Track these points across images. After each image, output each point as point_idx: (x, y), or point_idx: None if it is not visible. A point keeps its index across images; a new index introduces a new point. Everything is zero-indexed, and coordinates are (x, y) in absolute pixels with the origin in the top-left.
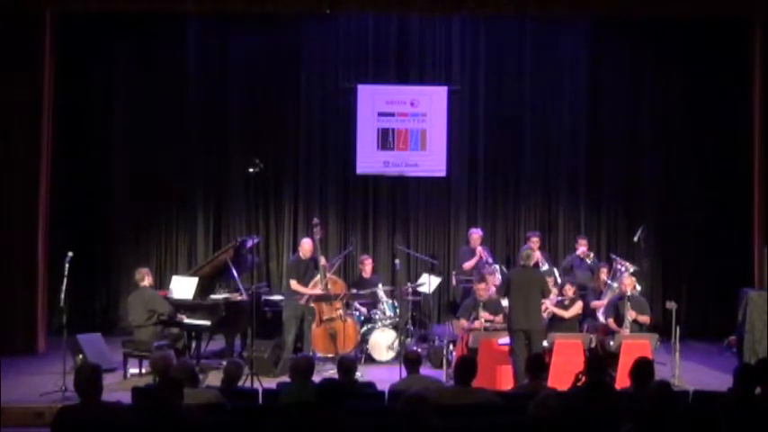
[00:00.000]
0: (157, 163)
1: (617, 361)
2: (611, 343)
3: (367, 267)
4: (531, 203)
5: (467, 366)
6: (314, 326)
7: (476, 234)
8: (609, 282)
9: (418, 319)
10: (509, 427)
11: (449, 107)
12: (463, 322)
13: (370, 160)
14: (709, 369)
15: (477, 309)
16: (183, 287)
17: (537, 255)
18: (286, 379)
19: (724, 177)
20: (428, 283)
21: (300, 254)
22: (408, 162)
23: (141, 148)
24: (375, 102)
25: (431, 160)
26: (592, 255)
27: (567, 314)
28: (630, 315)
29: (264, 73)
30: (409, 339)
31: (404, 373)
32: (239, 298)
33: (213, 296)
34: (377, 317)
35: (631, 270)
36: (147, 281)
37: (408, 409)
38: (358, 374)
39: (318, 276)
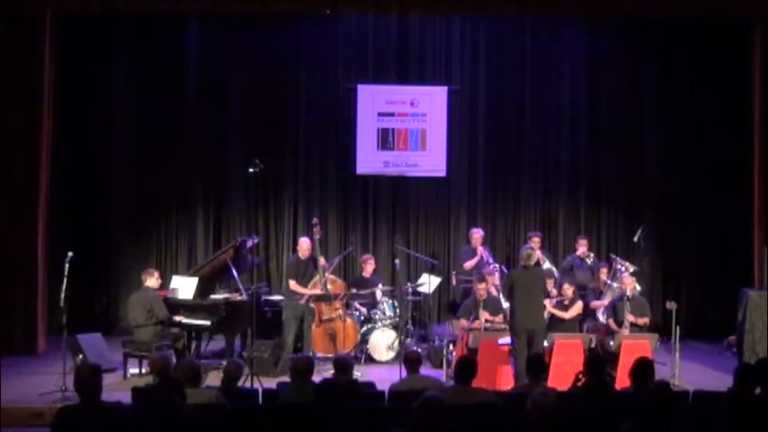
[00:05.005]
0: (157, 163)
1: (617, 361)
2: (611, 343)
3: (368, 267)
4: (531, 203)
5: (467, 366)
6: (314, 326)
7: (477, 234)
8: (609, 282)
9: (418, 319)
10: (509, 427)
11: (449, 107)
12: (463, 322)
13: (370, 160)
14: (710, 369)
15: (477, 308)
16: (183, 287)
17: (538, 254)
18: (286, 379)
19: (724, 177)
20: (428, 283)
21: (299, 254)
22: (408, 162)
23: (141, 147)
24: (375, 102)
25: (431, 160)
26: (592, 255)
27: (567, 315)
28: (629, 318)
29: (264, 73)
30: (409, 339)
31: (404, 373)
32: (239, 298)
33: (213, 296)
34: (377, 317)
35: (631, 270)
36: (150, 282)
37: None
38: (358, 374)
39: (318, 276)
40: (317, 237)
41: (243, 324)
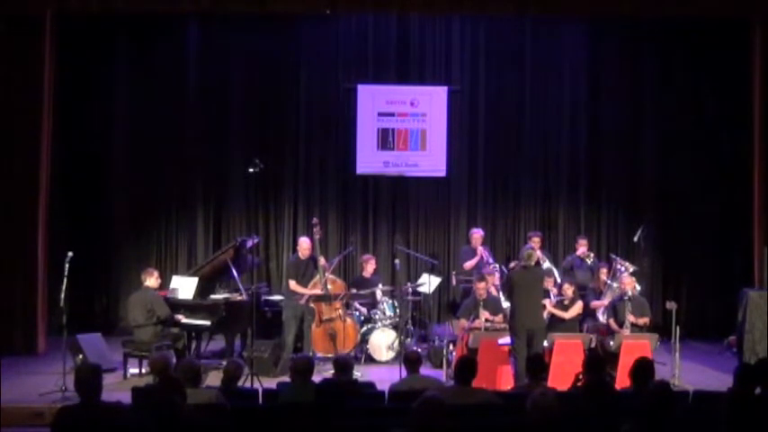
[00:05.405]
0: (157, 163)
1: (617, 361)
2: (611, 343)
3: (369, 267)
4: (531, 203)
5: (467, 366)
6: (314, 326)
7: (477, 234)
8: (609, 282)
9: (418, 319)
10: (509, 427)
11: (449, 107)
12: (463, 322)
13: (370, 160)
14: (710, 369)
15: (477, 308)
16: (183, 287)
17: (538, 254)
18: (286, 379)
19: (724, 177)
20: (428, 283)
21: (299, 253)
22: (408, 162)
23: (141, 147)
24: (375, 102)
25: (431, 160)
26: (592, 255)
27: (567, 315)
28: (630, 319)
29: (264, 73)
30: (409, 339)
31: (404, 373)
32: (239, 298)
33: (213, 296)
34: (377, 317)
35: (631, 270)
36: (149, 281)
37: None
38: (358, 374)
39: (318, 276)
40: (317, 237)
41: (243, 324)
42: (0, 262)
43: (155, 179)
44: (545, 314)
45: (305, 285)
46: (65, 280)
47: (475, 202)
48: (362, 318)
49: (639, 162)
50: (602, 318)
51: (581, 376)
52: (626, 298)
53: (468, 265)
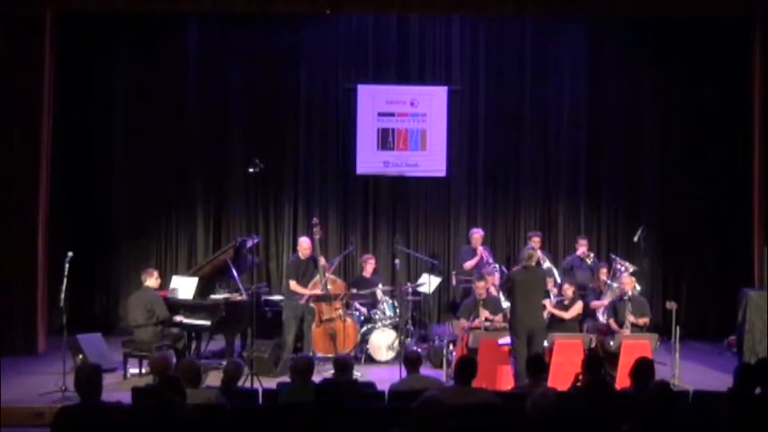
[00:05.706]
0: (157, 163)
1: (617, 361)
2: (611, 343)
3: (369, 267)
4: (531, 203)
5: (467, 366)
6: (314, 326)
7: (477, 234)
8: (609, 282)
9: (418, 319)
10: (509, 427)
11: (449, 107)
12: (463, 322)
13: (370, 160)
14: (710, 369)
15: (477, 308)
16: (183, 287)
17: (538, 254)
18: (286, 379)
19: (724, 177)
20: (428, 283)
21: (299, 253)
22: (408, 162)
23: (141, 147)
24: (375, 102)
25: (431, 160)
26: (592, 255)
27: (567, 315)
28: (630, 319)
29: (264, 73)
30: (409, 339)
31: (404, 373)
32: (239, 298)
33: (213, 296)
34: (377, 317)
35: (631, 270)
36: (149, 282)
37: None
38: (358, 374)
39: (318, 276)
40: (317, 237)
41: (243, 324)
42: (0, 262)
43: (155, 179)
44: (545, 314)
45: (305, 285)
46: (65, 280)
47: (475, 202)
48: (362, 318)
49: (639, 162)
50: (602, 318)
51: (581, 376)
52: (626, 298)
53: (468, 265)
